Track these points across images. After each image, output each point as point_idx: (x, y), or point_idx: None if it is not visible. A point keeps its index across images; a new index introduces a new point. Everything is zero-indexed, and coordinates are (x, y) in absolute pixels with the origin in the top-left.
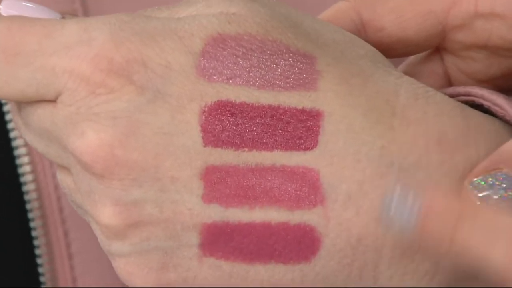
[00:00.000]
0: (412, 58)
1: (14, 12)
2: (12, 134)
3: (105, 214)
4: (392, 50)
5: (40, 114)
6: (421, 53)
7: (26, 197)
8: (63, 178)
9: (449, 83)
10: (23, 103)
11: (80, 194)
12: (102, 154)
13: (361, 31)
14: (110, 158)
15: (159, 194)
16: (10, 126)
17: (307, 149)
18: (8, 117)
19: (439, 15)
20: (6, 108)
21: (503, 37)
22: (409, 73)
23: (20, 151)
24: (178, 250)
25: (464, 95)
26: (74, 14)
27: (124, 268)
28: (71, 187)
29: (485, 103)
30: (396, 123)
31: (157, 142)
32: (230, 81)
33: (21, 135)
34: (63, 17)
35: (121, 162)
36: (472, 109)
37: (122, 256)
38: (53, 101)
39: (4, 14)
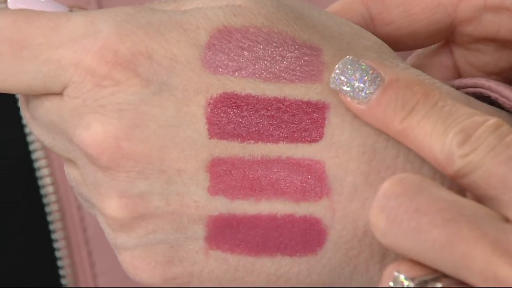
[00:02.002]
0: (421, 50)
1: (22, 6)
2: (34, 156)
3: (111, 206)
4: (401, 43)
5: (47, 107)
6: (430, 46)
7: (49, 218)
8: (69, 171)
9: (458, 75)
10: (30, 96)
11: (86, 186)
12: (108, 147)
13: (370, 25)
14: (116, 151)
15: (165, 187)
16: (31, 147)
17: (312, 141)
18: (30, 138)
19: (448, 8)
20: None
21: None
22: (418, 65)
23: (42, 172)
24: (184, 243)
25: (471, 86)
26: (82, 8)
27: (130, 261)
28: (77, 180)
29: (492, 94)
30: None
31: (162, 135)
32: (236, 74)
33: (29, 128)
34: (70, 11)
35: (127, 154)
36: (479, 101)
37: (128, 249)
38: (60, 93)
39: (12, 7)
